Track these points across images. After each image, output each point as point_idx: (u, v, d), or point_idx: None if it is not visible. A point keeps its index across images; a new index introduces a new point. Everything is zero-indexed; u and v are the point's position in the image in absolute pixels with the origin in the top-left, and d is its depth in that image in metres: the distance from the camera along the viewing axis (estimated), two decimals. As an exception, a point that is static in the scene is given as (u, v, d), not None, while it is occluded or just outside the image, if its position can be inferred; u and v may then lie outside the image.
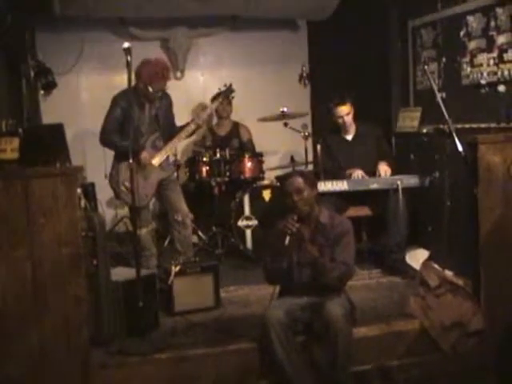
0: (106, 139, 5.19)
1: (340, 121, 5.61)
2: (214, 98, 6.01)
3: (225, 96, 5.88)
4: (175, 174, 5.45)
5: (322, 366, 3.66)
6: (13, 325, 3.40)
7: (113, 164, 5.26)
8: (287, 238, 3.73)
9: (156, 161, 5.22)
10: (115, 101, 5.14)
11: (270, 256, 3.90)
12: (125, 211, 6.65)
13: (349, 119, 5.61)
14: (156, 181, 5.24)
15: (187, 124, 5.38)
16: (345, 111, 5.58)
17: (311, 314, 3.80)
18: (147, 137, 5.21)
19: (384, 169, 5.41)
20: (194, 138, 6.38)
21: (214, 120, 7.07)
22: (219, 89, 5.90)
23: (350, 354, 3.62)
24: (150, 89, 5.08)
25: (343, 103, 5.57)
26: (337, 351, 3.56)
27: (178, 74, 7.30)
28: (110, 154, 6.32)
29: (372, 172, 5.45)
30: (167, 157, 5.30)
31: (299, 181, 3.84)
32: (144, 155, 5.14)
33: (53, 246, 3.42)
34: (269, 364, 3.73)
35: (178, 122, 5.52)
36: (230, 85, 5.89)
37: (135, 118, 5.11)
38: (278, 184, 5.74)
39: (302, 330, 3.84)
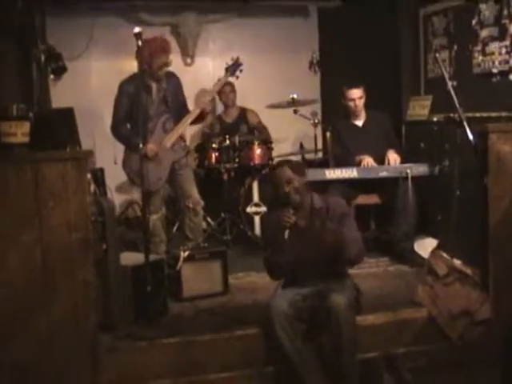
0: (116, 132, 5.16)
1: (351, 104, 5.58)
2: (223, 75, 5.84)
3: (233, 70, 5.72)
4: (185, 159, 5.40)
5: (327, 354, 3.67)
6: (21, 309, 3.41)
7: (125, 149, 5.23)
8: (286, 232, 3.71)
9: (167, 142, 5.18)
10: (121, 88, 5.10)
11: (271, 250, 3.88)
12: (135, 196, 6.67)
13: (360, 103, 5.58)
14: (169, 163, 5.19)
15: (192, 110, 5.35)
16: (357, 94, 5.55)
17: (314, 303, 3.77)
18: (156, 120, 5.16)
19: (393, 157, 5.38)
20: (202, 125, 6.38)
21: (221, 108, 7.05)
22: (226, 63, 5.77)
23: (355, 341, 3.61)
24: (155, 65, 5.03)
25: (356, 86, 5.55)
26: (341, 340, 3.55)
27: (188, 60, 7.30)
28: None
29: (382, 158, 5.43)
30: (179, 138, 5.26)
31: (288, 171, 3.78)
32: (150, 147, 5.07)
33: (62, 230, 3.43)
34: (275, 353, 3.73)
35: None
36: (237, 58, 5.72)
37: (143, 102, 5.06)
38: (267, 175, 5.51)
39: (307, 319, 3.82)
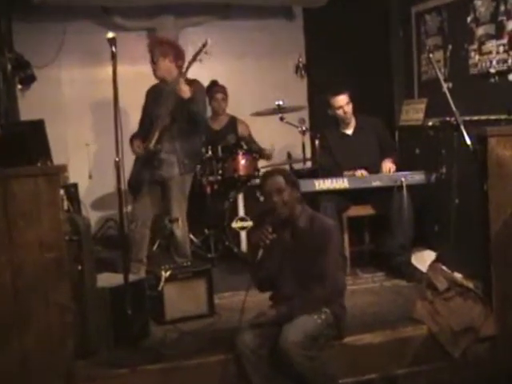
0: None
1: (340, 112, 5.57)
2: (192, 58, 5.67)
3: (198, 52, 5.24)
4: (176, 172, 5.33)
5: None
6: (-8, 336, 3.40)
7: None
8: (260, 252, 3.73)
9: (149, 144, 5.23)
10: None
11: (256, 263, 3.86)
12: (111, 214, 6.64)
13: (349, 109, 5.58)
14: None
15: None
16: (344, 101, 5.55)
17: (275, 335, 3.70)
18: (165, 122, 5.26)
19: (387, 166, 5.41)
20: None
21: (208, 113, 7.03)
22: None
23: (319, 372, 3.61)
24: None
25: (341, 92, 5.55)
26: (301, 374, 3.57)
27: (166, 66, 7.27)
28: (95, 153, 6.33)
29: (375, 167, 5.44)
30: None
31: (280, 180, 3.78)
32: (136, 145, 5.26)
33: (34, 250, 3.41)
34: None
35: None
36: (205, 40, 5.31)
37: (152, 103, 5.37)
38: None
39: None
